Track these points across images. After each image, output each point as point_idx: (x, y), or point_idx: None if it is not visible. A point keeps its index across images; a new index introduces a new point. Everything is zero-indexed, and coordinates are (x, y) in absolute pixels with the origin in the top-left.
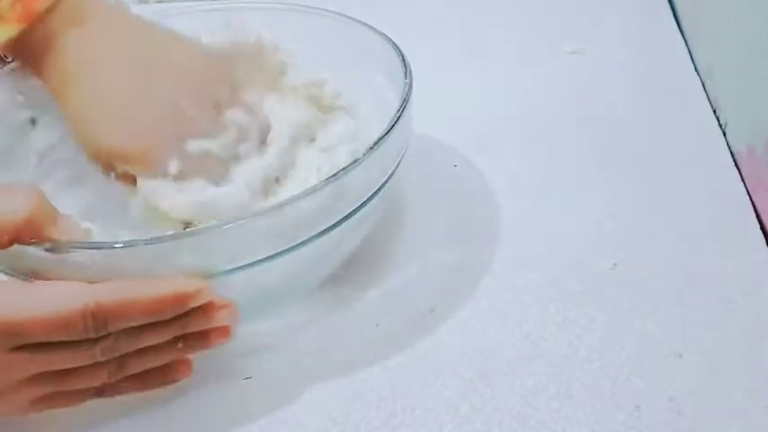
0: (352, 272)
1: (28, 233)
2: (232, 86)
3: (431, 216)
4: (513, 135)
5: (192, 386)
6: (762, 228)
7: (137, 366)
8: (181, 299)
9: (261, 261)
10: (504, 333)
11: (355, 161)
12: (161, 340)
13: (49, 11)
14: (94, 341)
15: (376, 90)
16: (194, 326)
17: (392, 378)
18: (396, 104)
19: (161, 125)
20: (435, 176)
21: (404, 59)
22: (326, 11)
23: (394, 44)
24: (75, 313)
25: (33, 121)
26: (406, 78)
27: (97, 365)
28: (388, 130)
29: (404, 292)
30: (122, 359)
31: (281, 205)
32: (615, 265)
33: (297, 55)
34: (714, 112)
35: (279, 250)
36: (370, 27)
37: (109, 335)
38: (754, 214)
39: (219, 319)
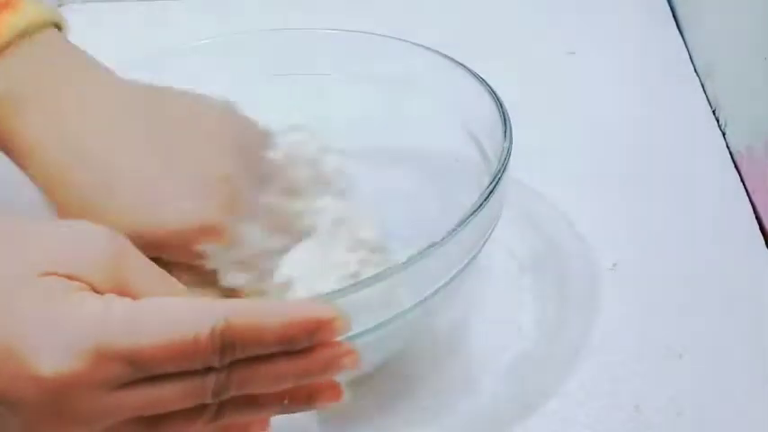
0: None
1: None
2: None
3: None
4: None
5: None
6: (761, 228)
7: (233, 417)
8: (315, 324)
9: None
10: (504, 333)
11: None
12: (279, 385)
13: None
14: (208, 373)
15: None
16: (317, 370)
17: (392, 378)
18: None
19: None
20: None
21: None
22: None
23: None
24: (203, 334)
25: None
26: (505, 140)
27: (195, 410)
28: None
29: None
30: (221, 406)
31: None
32: (615, 265)
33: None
34: (713, 112)
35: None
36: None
37: (225, 369)
38: (753, 215)
39: (343, 366)
